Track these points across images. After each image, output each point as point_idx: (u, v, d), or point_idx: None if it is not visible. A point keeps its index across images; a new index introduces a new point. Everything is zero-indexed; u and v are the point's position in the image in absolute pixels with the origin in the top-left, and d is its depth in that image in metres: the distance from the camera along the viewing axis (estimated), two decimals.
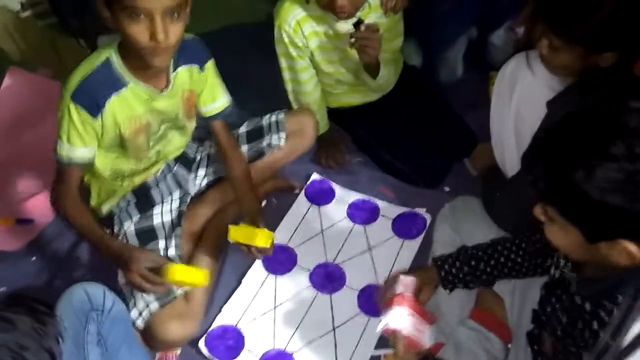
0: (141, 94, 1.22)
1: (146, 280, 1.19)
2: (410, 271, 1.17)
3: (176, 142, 1.41)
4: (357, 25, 1.38)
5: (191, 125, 1.41)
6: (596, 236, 0.78)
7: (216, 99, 1.39)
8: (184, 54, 1.25)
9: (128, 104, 1.22)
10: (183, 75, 1.28)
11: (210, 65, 1.34)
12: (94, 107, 1.18)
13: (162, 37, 1.08)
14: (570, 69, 1.09)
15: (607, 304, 0.81)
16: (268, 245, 1.34)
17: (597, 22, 0.99)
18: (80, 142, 1.21)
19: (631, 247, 0.76)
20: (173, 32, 1.10)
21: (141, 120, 1.25)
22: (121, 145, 1.28)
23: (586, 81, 1.09)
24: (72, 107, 1.17)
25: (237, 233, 1.34)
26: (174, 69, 1.25)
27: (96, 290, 1.14)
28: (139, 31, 1.08)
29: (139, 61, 1.15)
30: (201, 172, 1.54)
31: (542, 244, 1.08)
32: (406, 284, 1.10)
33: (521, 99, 1.23)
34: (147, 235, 1.37)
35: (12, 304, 0.76)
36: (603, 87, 1.05)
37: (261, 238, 1.33)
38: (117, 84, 1.19)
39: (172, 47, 1.13)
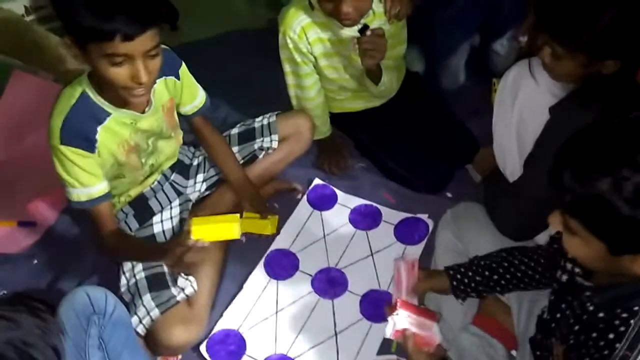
0: (124, 120, 1.22)
1: (182, 258, 1.19)
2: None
3: (167, 151, 1.41)
4: (362, 31, 1.39)
5: (177, 132, 1.41)
6: (621, 250, 0.77)
7: (195, 97, 1.40)
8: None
9: (114, 132, 1.22)
10: (160, 89, 1.29)
11: (183, 69, 1.35)
12: (87, 143, 1.18)
13: (145, 79, 1.09)
14: (573, 76, 1.10)
15: (623, 315, 0.80)
16: (275, 232, 1.48)
17: (599, 30, 0.99)
18: (93, 179, 1.21)
19: None
20: (153, 69, 1.11)
21: (129, 143, 1.26)
22: (118, 171, 1.29)
23: (588, 88, 1.09)
24: (66, 150, 1.16)
25: (247, 225, 1.42)
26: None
27: (98, 294, 1.14)
28: (119, 74, 1.08)
29: (116, 92, 1.14)
30: (200, 177, 1.54)
31: (558, 254, 1.07)
32: (407, 260, 1.14)
33: (523, 106, 1.23)
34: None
35: (13, 303, 0.76)
36: (605, 94, 1.05)
37: (270, 227, 1.46)
38: (99, 116, 1.19)
39: (152, 82, 1.14)
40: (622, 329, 0.79)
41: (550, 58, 1.09)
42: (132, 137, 1.25)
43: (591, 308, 0.86)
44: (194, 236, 1.17)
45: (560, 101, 1.14)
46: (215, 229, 1.20)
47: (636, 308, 0.79)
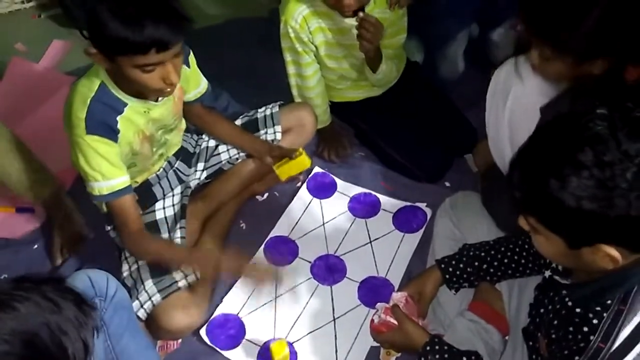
0: (139, 109, 1.23)
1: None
2: (409, 280, 1.23)
3: (174, 140, 1.43)
4: (356, 13, 1.40)
5: (180, 121, 1.43)
6: (577, 242, 0.79)
7: (199, 84, 1.42)
8: None
9: (131, 121, 1.23)
10: None
11: (192, 57, 1.36)
12: (112, 133, 1.19)
13: (176, 79, 1.12)
14: (563, 77, 1.08)
15: (596, 308, 0.82)
16: (311, 163, 1.55)
17: (585, 30, 0.97)
18: (116, 171, 1.21)
19: (612, 251, 0.77)
20: (179, 67, 1.14)
21: (145, 133, 1.27)
22: (131, 160, 1.30)
23: (578, 88, 1.07)
24: (91, 140, 1.16)
25: (285, 170, 1.52)
26: None
27: (99, 277, 1.15)
28: (151, 79, 1.11)
29: (134, 85, 1.16)
30: (200, 165, 1.55)
31: None
32: (398, 299, 1.16)
33: (514, 106, 1.22)
34: (150, 229, 1.37)
35: (62, 290, 0.76)
36: (595, 93, 1.03)
37: (306, 161, 1.51)
38: (117, 107, 1.20)
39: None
40: (596, 321, 0.81)
41: (539, 60, 1.07)
42: (146, 126, 1.27)
43: (570, 304, 0.89)
44: (282, 177, 1.51)
45: (550, 101, 1.13)
46: (293, 165, 1.50)
47: (609, 302, 0.81)
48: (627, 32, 0.98)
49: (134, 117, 1.23)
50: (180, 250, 1.34)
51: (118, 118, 1.20)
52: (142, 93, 1.21)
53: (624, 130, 0.73)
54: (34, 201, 1.49)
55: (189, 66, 1.34)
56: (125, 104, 1.21)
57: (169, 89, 1.16)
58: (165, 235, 1.38)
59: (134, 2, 1.04)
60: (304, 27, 1.50)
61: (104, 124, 1.18)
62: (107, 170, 1.20)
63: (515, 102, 1.21)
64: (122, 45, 1.05)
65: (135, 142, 1.26)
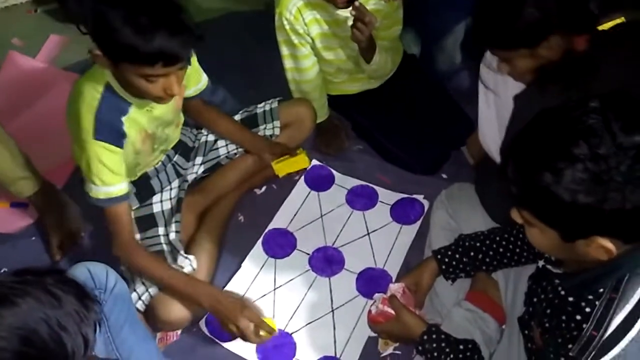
0: (142, 107, 1.23)
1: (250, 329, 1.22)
2: (406, 271, 1.24)
3: (173, 134, 1.43)
4: (351, 1, 1.40)
5: (179, 116, 1.43)
6: (572, 235, 0.80)
7: (199, 80, 1.42)
8: None
9: (136, 121, 1.23)
10: None
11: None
12: (118, 137, 1.19)
13: (177, 91, 1.11)
14: (532, 71, 1.07)
15: (589, 297, 0.83)
16: (309, 163, 1.64)
17: (528, 18, 0.97)
18: (116, 178, 1.21)
19: (606, 242, 0.77)
20: (182, 79, 1.13)
21: (147, 131, 1.27)
22: (135, 160, 1.30)
23: (542, 73, 1.07)
24: (97, 146, 1.16)
25: (283, 167, 1.58)
26: None
27: (99, 269, 1.16)
28: (153, 89, 1.10)
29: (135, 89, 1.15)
30: (198, 159, 1.55)
31: None
32: (395, 290, 1.17)
33: (498, 88, 1.24)
34: (147, 222, 1.39)
35: (65, 282, 0.75)
36: (557, 75, 1.04)
37: (305, 160, 1.60)
38: (123, 107, 1.20)
39: None
40: (588, 310, 0.82)
41: (504, 66, 1.08)
42: (149, 125, 1.27)
43: (562, 293, 0.89)
44: (279, 173, 1.57)
45: (523, 90, 1.14)
46: (291, 163, 1.57)
47: (601, 290, 0.82)
48: (562, 4, 0.97)
49: (138, 116, 1.23)
50: (172, 274, 1.26)
51: (124, 119, 1.20)
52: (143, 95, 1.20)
53: (618, 123, 0.73)
54: (16, 196, 1.49)
55: (189, 63, 1.34)
56: (130, 104, 1.20)
57: (169, 99, 1.15)
58: (161, 228, 1.38)
59: (148, 12, 1.02)
60: (299, 19, 1.50)
61: (112, 129, 1.18)
62: (107, 177, 1.20)
63: (499, 84, 1.22)
64: (130, 53, 1.04)
65: (137, 141, 1.26)
